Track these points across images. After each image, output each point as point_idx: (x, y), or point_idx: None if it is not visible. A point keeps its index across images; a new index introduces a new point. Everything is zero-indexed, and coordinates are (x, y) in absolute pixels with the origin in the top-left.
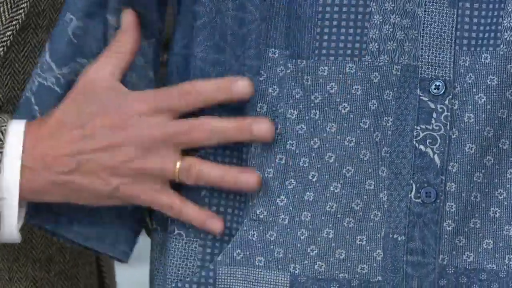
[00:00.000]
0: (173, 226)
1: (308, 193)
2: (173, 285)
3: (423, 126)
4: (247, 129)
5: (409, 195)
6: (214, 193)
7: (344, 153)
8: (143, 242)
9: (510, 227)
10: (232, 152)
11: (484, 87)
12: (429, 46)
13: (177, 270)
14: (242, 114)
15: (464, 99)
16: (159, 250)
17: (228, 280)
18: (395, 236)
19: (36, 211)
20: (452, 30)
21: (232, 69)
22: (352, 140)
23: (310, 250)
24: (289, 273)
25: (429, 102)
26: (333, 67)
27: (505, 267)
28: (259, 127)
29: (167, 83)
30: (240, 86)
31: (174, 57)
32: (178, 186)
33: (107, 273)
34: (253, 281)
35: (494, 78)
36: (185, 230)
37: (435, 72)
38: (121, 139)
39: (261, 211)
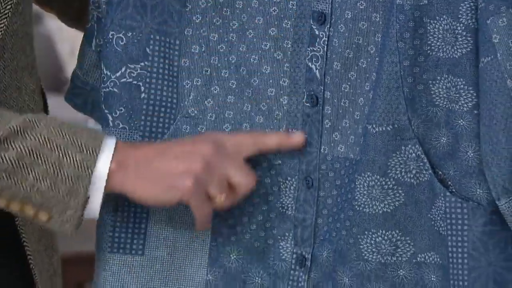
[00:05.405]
0: (117, 121)
1: (230, 96)
2: None
3: (311, 48)
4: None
5: (303, 100)
6: (151, 96)
7: (251, 67)
8: None
9: (361, 126)
10: (164, 66)
11: (343, 19)
12: None
13: None
14: (173, 37)
15: (335, 27)
16: None
17: None
18: (293, 131)
19: None
20: None
21: (163, 2)
22: (255, 58)
23: None
24: None
25: (316, 30)
26: (245, 2)
27: (357, 157)
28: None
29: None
30: (295, 141)
31: None
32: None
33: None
34: None
35: (349, 13)
36: (128, 124)
37: (321, 7)
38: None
39: (192, 110)
